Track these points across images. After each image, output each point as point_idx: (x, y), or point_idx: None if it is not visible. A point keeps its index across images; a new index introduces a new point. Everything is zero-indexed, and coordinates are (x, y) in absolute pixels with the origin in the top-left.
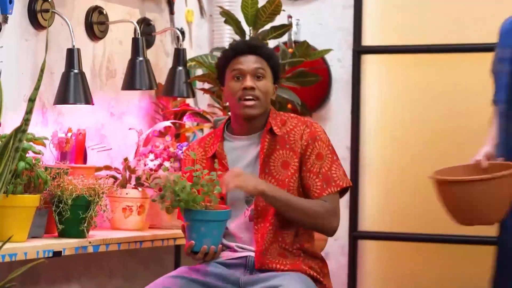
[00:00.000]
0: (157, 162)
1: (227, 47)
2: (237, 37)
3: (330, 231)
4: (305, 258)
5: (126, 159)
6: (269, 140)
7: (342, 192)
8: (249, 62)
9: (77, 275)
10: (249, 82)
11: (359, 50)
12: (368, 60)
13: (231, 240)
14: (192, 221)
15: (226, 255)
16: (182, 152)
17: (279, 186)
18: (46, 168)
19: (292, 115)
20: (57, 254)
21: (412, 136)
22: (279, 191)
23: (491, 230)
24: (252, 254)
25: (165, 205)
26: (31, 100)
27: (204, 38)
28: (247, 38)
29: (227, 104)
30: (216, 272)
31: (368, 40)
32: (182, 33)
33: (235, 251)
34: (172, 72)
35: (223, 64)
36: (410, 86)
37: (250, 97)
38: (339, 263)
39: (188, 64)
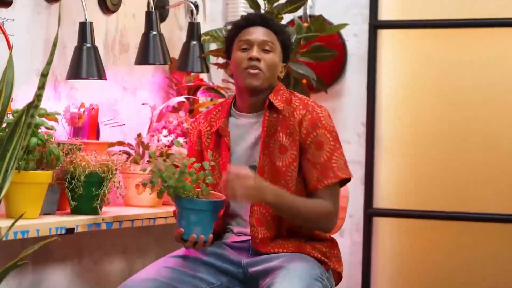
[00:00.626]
0: (170, 138)
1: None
2: (252, 11)
3: (328, 231)
4: (309, 239)
5: (139, 135)
6: (271, 119)
7: (341, 184)
8: (259, 33)
9: (90, 252)
10: (255, 52)
11: (376, 25)
12: (384, 35)
13: (233, 222)
14: (182, 209)
15: (229, 237)
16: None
17: (276, 174)
18: (58, 144)
19: (297, 94)
20: (69, 231)
21: (428, 112)
22: (284, 199)
23: (508, 207)
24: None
25: (154, 190)
26: (44, 75)
27: (218, 12)
28: (262, 12)
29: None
30: (218, 252)
31: (384, 14)
32: (196, 6)
33: (237, 235)
34: (186, 47)
35: (233, 34)
36: (427, 61)
37: (255, 68)
38: (354, 241)
39: (202, 38)
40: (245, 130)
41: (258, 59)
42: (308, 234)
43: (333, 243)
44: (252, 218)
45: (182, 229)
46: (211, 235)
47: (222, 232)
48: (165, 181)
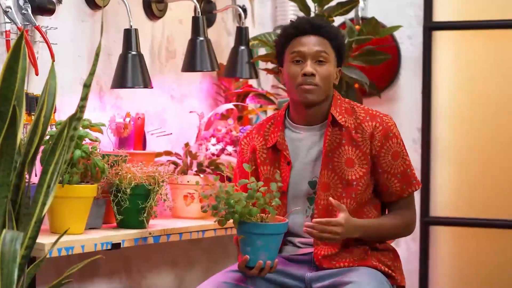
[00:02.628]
0: (219, 146)
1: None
2: (301, 14)
3: (408, 235)
4: (374, 251)
5: (187, 144)
6: (334, 133)
7: None
8: (311, 44)
9: (137, 266)
10: (309, 67)
11: (431, 27)
12: (440, 37)
13: (292, 235)
14: (247, 234)
15: (290, 250)
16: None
17: (346, 188)
18: (103, 156)
19: (359, 105)
20: (116, 246)
21: (486, 117)
22: (370, 230)
23: None
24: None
25: (218, 217)
26: (86, 86)
27: (267, 16)
28: (312, 15)
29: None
30: (280, 268)
31: (440, 15)
32: (244, 10)
33: (298, 246)
34: (234, 52)
35: (283, 43)
36: (484, 64)
37: (310, 83)
38: (410, 250)
39: (250, 43)
40: (304, 144)
41: (313, 74)
42: (370, 244)
43: (395, 254)
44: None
45: (248, 256)
46: (277, 260)
47: (280, 246)
48: (232, 206)
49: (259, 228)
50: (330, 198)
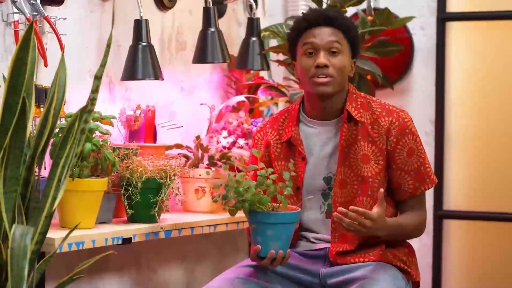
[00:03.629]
0: (230, 139)
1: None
2: (313, 5)
3: (419, 236)
4: (389, 246)
5: (198, 137)
6: (349, 128)
7: None
8: (324, 35)
9: (148, 260)
10: (322, 58)
11: (444, 17)
12: (453, 28)
13: (306, 230)
14: (258, 224)
15: (304, 246)
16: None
17: (362, 185)
18: (114, 149)
19: (375, 99)
20: (127, 241)
21: (501, 109)
22: (394, 229)
23: None
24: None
25: (228, 206)
26: (97, 78)
27: (278, 6)
28: (324, 5)
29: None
30: (294, 263)
31: (453, 6)
32: (255, 1)
33: (313, 242)
34: (245, 43)
35: (295, 36)
36: (499, 55)
37: (323, 75)
38: (423, 244)
39: (262, 35)
40: (319, 139)
41: (326, 66)
42: (386, 240)
43: (410, 250)
44: (334, 235)
45: (259, 246)
46: (289, 250)
47: (295, 242)
48: (242, 195)
49: (270, 217)
50: (381, 190)
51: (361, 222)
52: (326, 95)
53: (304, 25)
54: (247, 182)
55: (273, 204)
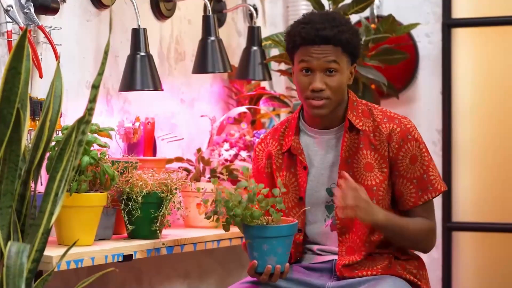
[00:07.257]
0: (232, 152)
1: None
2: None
3: (427, 251)
4: (398, 259)
5: (199, 150)
6: (351, 137)
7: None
8: (320, 55)
9: (149, 277)
10: (318, 83)
11: (449, 23)
12: (459, 34)
13: (311, 243)
14: (253, 238)
15: (309, 258)
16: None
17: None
18: (113, 163)
19: (376, 106)
20: (127, 258)
21: (510, 118)
22: (395, 219)
23: None
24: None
25: (220, 221)
26: (95, 87)
27: (278, 15)
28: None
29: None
30: (299, 278)
31: (459, 12)
32: (255, 9)
33: (318, 254)
34: (246, 53)
35: (291, 47)
36: (507, 62)
37: (319, 98)
38: (432, 257)
39: (262, 44)
40: (321, 149)
41: (321, 89)
42: (394, 253)
43: (420, 263)
44: (342, 247)
45: (256, 261)
46: (288, 264)
47: (299, 255)
48: (231, 209)
49: (263, 231)
50: (343, 172)
51: (355, 195)
52: (322, 116)
53: (299, 42)
54: (237, 196)
55: (267, 217)
